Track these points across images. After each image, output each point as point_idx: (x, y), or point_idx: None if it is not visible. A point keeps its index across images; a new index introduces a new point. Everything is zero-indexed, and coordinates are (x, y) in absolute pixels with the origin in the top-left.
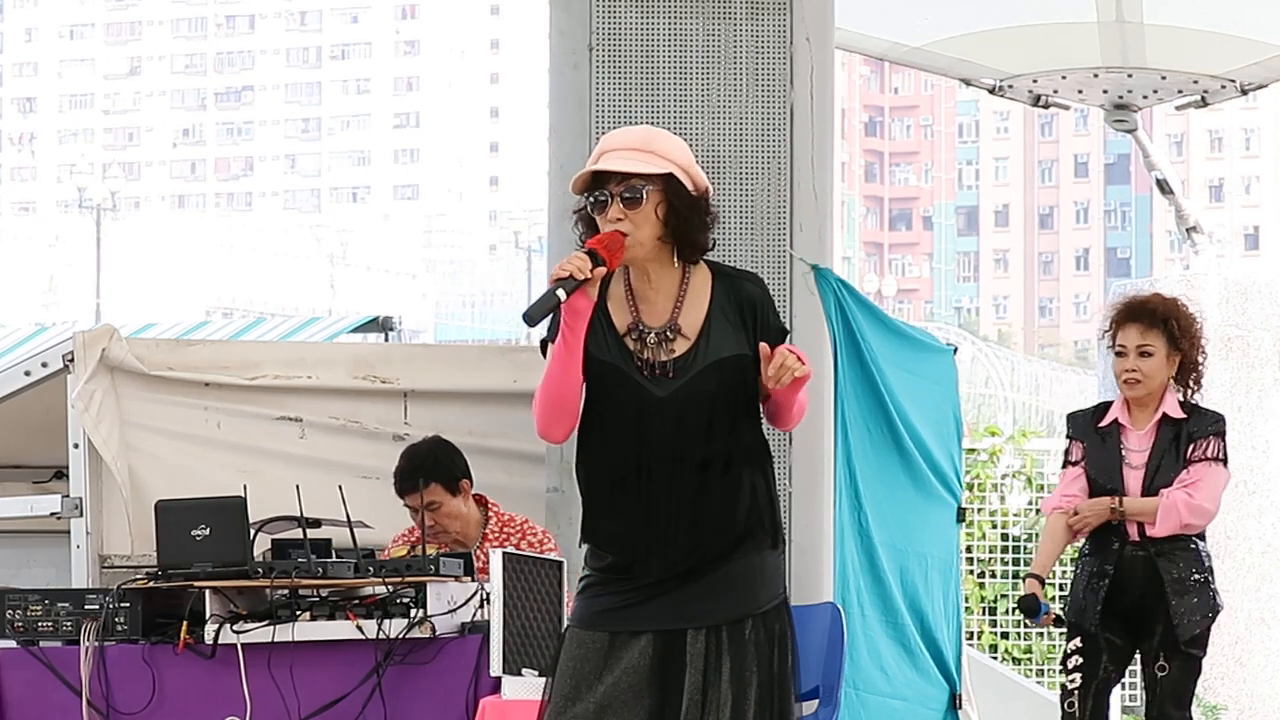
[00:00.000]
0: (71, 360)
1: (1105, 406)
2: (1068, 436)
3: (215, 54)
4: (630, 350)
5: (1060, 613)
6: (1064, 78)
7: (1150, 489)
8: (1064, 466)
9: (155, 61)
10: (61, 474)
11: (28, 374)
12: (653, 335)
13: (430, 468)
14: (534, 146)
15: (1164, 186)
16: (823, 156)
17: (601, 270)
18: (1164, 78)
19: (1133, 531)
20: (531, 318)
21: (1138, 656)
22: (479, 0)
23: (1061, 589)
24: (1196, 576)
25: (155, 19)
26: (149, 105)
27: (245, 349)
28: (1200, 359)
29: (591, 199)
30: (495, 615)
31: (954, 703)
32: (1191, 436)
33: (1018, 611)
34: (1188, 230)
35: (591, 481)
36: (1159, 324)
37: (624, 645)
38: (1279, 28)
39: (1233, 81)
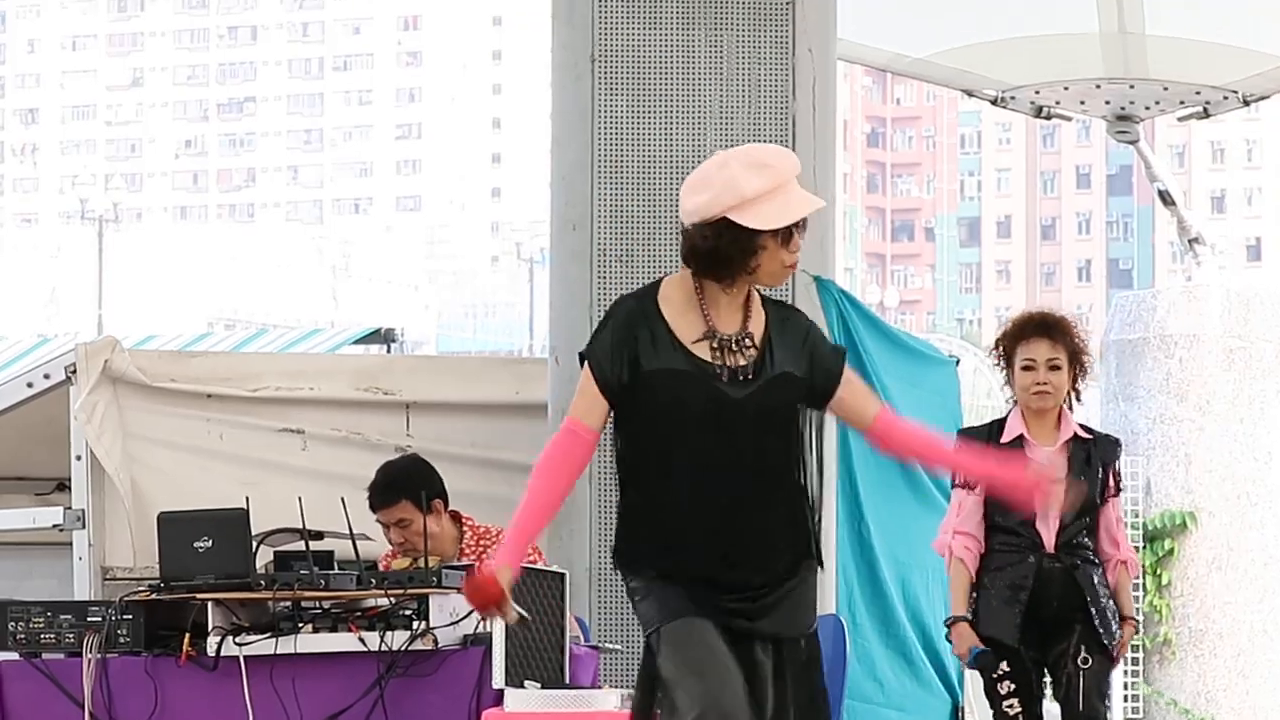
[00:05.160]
0: (74, 372)
1: (1001, 423)
2: None
3: (217, 65)
4: (705, 357)
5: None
6: (1066, 89)
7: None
8: (954, 485)
9: (157, 73)
10: (64, 486)
11: (30, 385)
12: (732, 341)
13: (402, 485)
14: (536, 158)
15: (1166, 198)
16: (825, 167)
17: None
18: (1166, 89)
19: (1048, 543)
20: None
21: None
22: (481, 11)
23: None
24: (1105, 590)
25: (157, 30)
26: (151, 116)
27: (247, 360)
28: (1084, 376)
29: (785, 232)
30: (498, 627)
31: (956, 715)
32: (1107, 462)
33: (974, 666)
34: (1190, 241)
35: (660, 490)
36: (1063, 338)
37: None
38: None
39: (1235, 93)
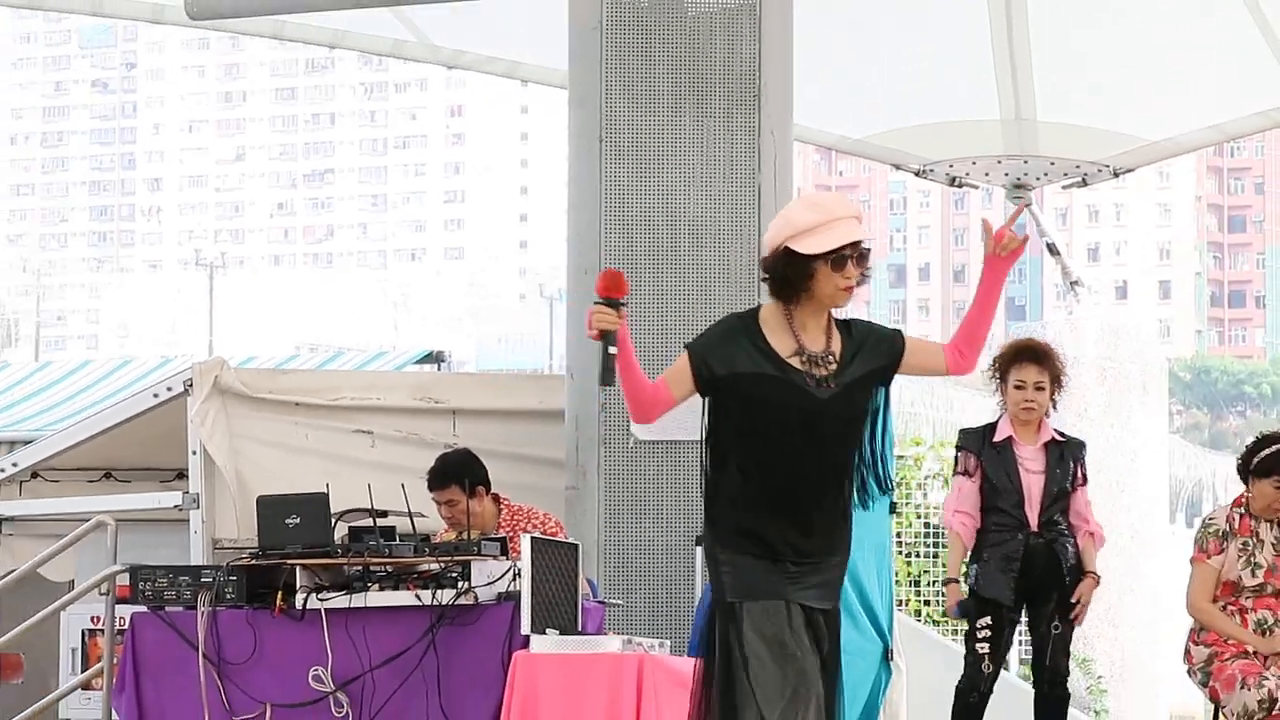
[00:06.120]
0: (190, 385)
1: (993, 426)
2: (959, 447)
3: (304, 144)
4: (797, 367)
5: (969, 590)
6: (974, 163)
7: (1048, 491)
8: (955, 473)
9: (257, 150)
10: (182, 475)
11: (156, 396)
12: (818, 356)
13: (454, 473)
14: (556, 217)
15: (1052, 249)
16: None
17: (623, 310)
18: (1053, 163)
19: (1033, 523)
20: (609, 383)
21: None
22: (512, 101)
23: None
24: (1075, 559)
25: (257, 117)
26: (251, 185)
27: (327, 377)
28: (1060, 392)
29: (835, 255)
30: (525, 586)
31: (887, 655)
32: (1076, 459)
33: (948, 616)
34: (1071, 284)
35: (750, 475)
36: (1049, 364)
37: (795, 614)
38: (1143, 125)
39: (1107, 166)
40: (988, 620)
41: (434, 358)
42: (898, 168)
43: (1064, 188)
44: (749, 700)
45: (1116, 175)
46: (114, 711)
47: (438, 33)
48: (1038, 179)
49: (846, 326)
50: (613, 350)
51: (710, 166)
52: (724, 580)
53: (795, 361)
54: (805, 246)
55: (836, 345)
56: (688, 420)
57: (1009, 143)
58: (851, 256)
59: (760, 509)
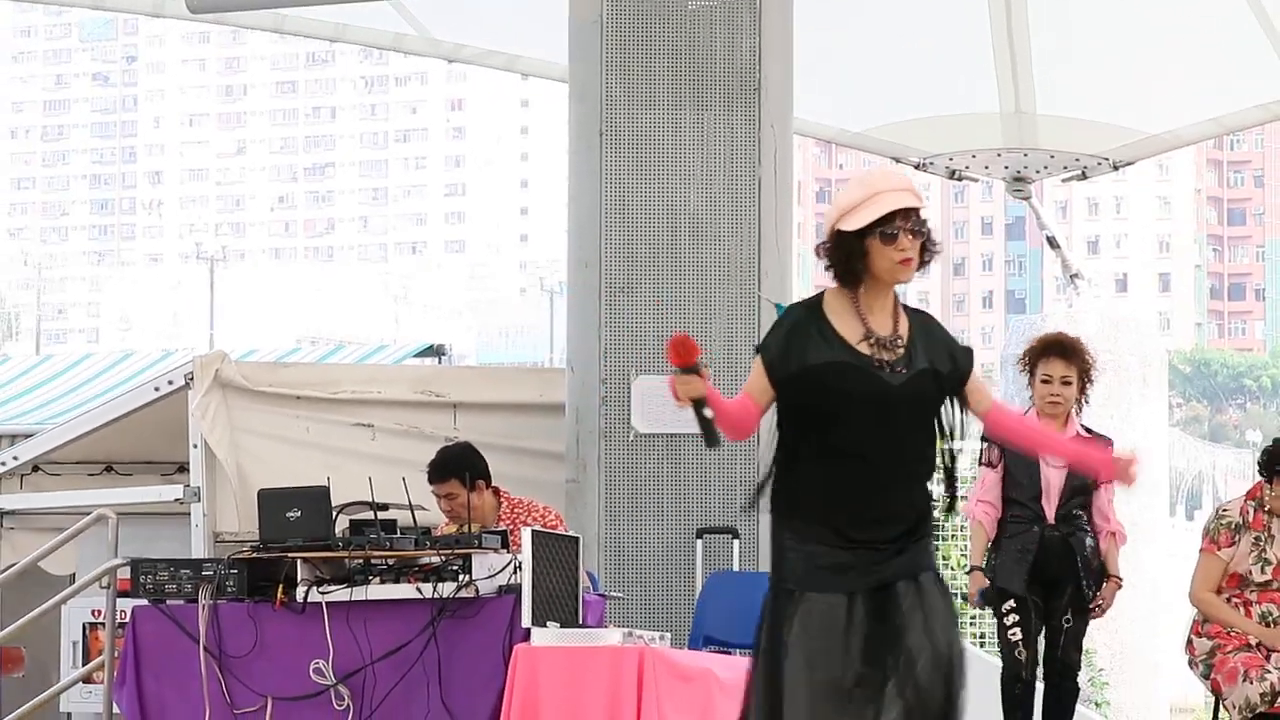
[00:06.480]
0: (191, 379)
1: None
2: (984, 438)
3: (304, 137)
4: (866, 353)
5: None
6: (974, 156)
7: (1067, 487)
8: (980, 464)
9: (257, 143)
10: (184, 468)
11: (157, 389)
12: (887, 340)
13: (453, 466)
14: (556, 210)
15: (1052, 242)
16: (784, 218)
17: (706, 369)
18: (1053, 156)
19: (1049, 516)
20: (714, 443)
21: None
22: (512, 95)
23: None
24: (1092, 554)
25: (257, 110)
26: (252, 178)
27: (328, 370)
28: (1090, 386)
29: (883, 231)
30: (526, 579)
31: None
32: None
33: (968, 602)
34: (1071, 277)
35: (822, 462)
36: (1076, 359)
37: (858, 608)
38: (1143, 118)
39: (1107, 159)
40: (1011, 604)
41: (434, 351)
42: (897, 160)
43: (1064, 181)
44: (778, 691)
45: (1116, 168)
46: (115, 705)
47: (438, 26)
48: (1037, 172)
49: (916, 313)
50: (708, 414)
51: (710, 159)
52: (787, 567)
53: (864, 347)
54: (852, 224)
55: (904, 328)
56: (688, 412)
57: (1009, 136)
58: (904, 228)
59: (834, 497)
